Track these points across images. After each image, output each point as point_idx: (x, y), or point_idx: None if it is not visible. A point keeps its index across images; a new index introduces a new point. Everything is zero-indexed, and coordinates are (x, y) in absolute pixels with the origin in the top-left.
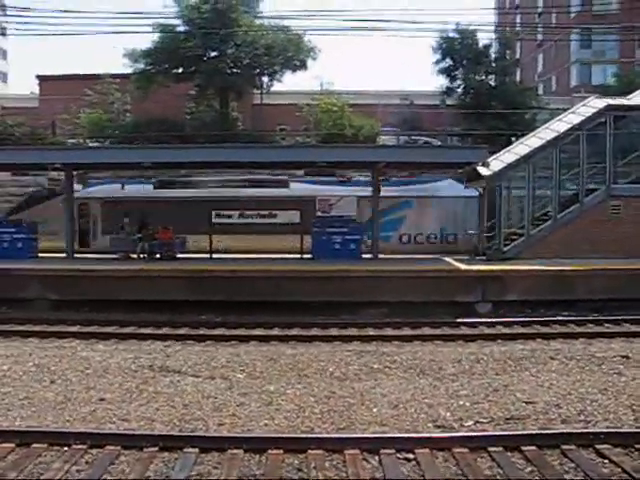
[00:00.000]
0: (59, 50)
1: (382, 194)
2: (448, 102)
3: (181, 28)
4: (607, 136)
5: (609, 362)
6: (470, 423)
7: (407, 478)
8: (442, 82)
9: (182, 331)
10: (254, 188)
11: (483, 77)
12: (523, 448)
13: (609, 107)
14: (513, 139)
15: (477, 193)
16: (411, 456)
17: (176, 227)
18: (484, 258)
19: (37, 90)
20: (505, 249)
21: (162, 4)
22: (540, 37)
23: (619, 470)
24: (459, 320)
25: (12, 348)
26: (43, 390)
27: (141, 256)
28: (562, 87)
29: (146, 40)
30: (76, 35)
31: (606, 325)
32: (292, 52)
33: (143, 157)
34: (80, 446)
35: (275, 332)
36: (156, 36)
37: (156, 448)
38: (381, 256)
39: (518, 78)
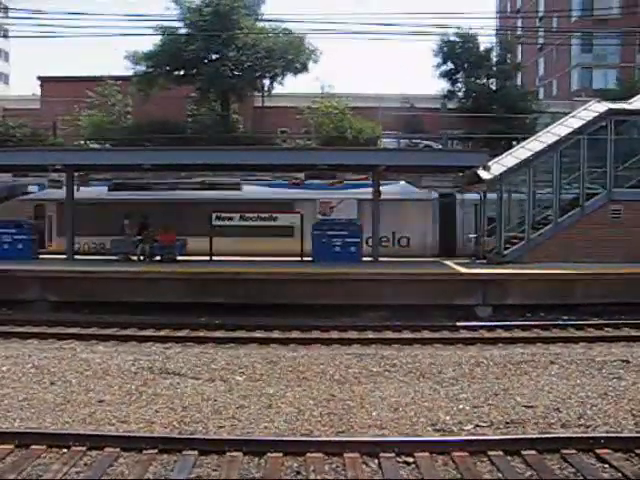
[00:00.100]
0: (60, 52)
1: (332, 196)
2: (449, 105)
3: (183, 31)
4: (608, 140)
5: (609, 366)
6: (470, 427)
7: None
8: (443, 85)
9: (182, 333)
10: (208, 191)
11: (484, 81)
12: (523, 452)
13: (610, 111)
14: (514, 143)
15: (428, 196)
16: (410, 460)
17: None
18: (484, 262)
19: (38, 91)
20: (505, 252)
21: (164, 6)
22: (541, 41)
23: (619, 475)
24: (459, 324)
25: (11, 349)
26: (42, 392)
27: (141, 258)
28: (563, 91)
29: (148, 42)
30: (78, 37)
31: (606, 329)
32: (293, 55)
33: (144, 159)
34: (79, 448)
35: (275, 335)
36: (157, 38)
37: (155, 450)
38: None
39: (519, 82)
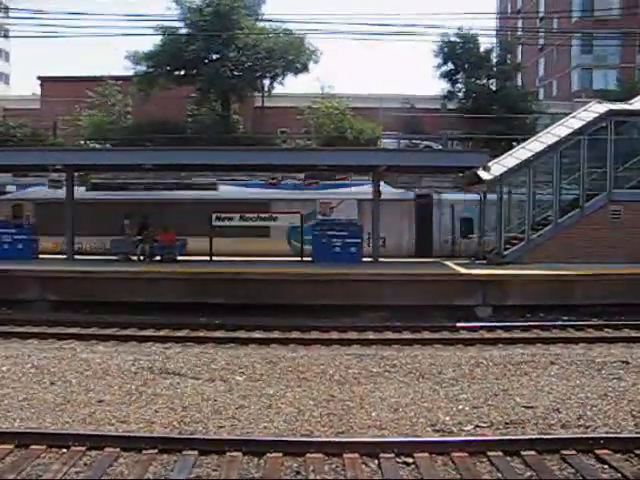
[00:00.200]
0: (60, 52)
1: (305, 197)
2: (449, 106)
3: (183, 31)
4: (608, 141)
5: (609, 367)
6: (469, 427)
7: None
8: (443, 86)
9: (182, 333)
10: (184, 190)
11: (484, 81)
12: (522, 453)
13: (610, 112)
14: (514, 143)
15: (404, 196)
16: (410, 460)
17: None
18: (484, 262)
19: (39, 91)
20: (505, 253)
21: (164, 6)
22: (541, 42)
23: (619, 475)
24: (459, 324)
25: (11, 349)
26: (42, 391)
27: (141, 258)
28: (563, 92)
29: (148, 42)
30: (79, 37)
31: (606, 330)
32: (293, 55)
33: (144, 159)
34: (79, 448)
35: (275, 335)
36: (158, 39)
37: (155, 450)
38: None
39: (519, 82)
